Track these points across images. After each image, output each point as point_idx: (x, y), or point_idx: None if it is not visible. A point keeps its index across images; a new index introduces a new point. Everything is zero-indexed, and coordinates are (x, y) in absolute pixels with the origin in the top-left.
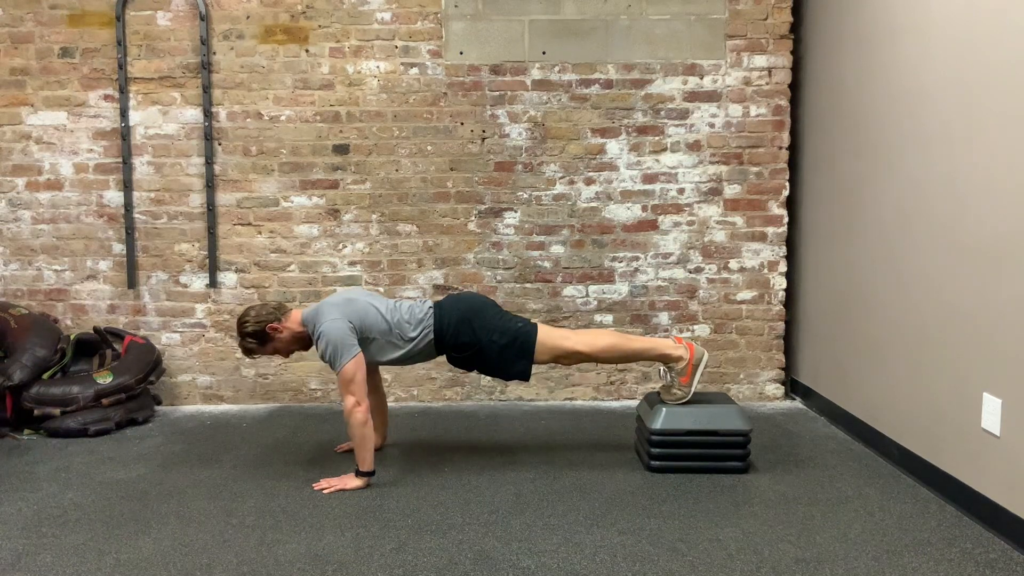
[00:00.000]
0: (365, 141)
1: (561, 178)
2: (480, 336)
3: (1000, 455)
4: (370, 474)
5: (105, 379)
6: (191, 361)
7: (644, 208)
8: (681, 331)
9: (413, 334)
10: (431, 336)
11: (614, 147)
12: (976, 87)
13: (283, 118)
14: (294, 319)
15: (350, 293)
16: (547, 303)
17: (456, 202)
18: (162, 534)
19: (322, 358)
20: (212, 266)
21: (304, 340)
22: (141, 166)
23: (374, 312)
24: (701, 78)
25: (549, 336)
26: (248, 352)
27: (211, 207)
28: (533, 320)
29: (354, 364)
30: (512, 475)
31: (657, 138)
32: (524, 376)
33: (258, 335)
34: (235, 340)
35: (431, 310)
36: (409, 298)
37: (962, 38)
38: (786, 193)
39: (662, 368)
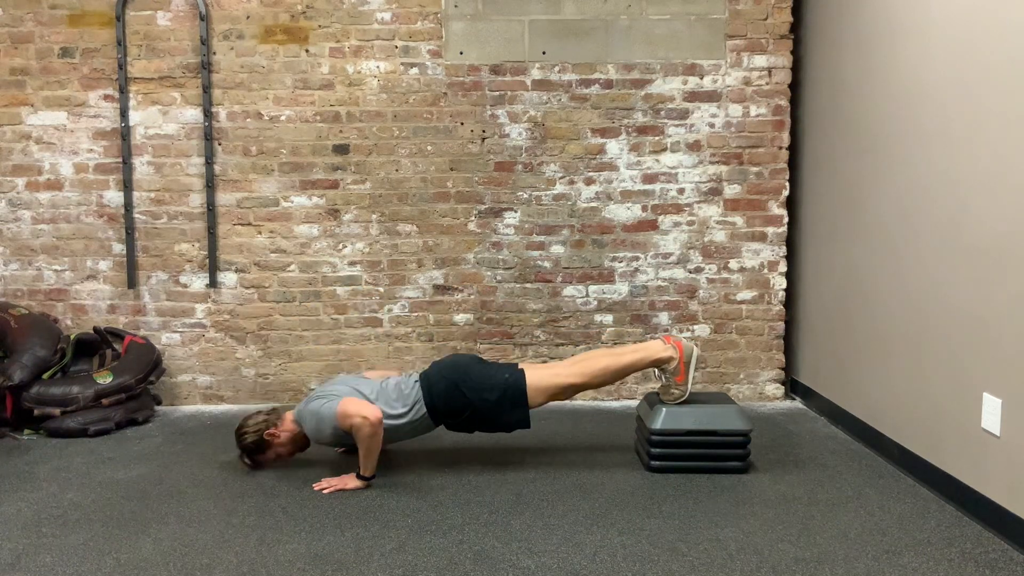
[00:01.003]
0: (365, 141)
1: (561, 178)
2: (471, 398)
3: (1000, 455)
4: (370, 478)
5: (105, 379)
6: (191, 361)
7: (644, 208)
8: (681, 331)
9: (403, 410)
10: (424, 410)
11: (614, 147)
12: (976, 87)
13: (283, 118)
14: (287, 419)
15: (334, 383)
16: (547, 303)
17: (456, 202)
18: (162, 534)
19: (320, 438)
20: (212, 266)
21: (301, 439)
22: (141, 166)
23: (358, 395)
24: (701, 78)
25: (538, 378)
26: (250, 461)
27: (211, 207)
28: (519, 364)
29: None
30: (512, 475)
31: (657, 138)
32: (524, 424)
33: (258, 445)
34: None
35: (417, 384)
36: (395, 374)
37: (962, 38)
38: (786, 193)
39: (656, 370)
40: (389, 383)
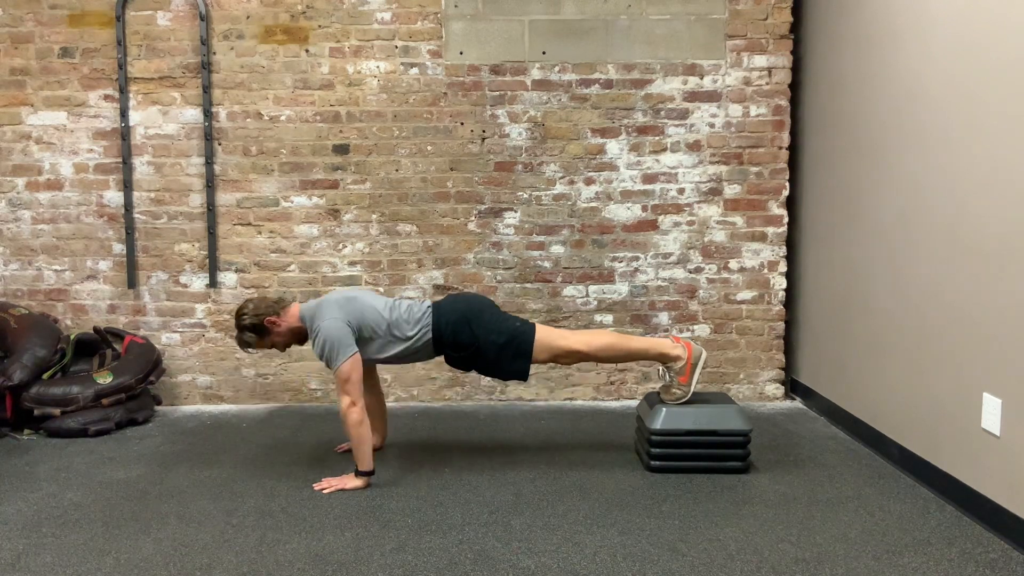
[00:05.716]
0: (365, 141)
1: (561, 178)
2: (478, 336)
3: (1000, 455)
4: (369, 473)
5: (105, 379)
6: (191, 361)
7: (644, 208)
8: (681, 331)
9: (411, 332)
10: (429, 335)
11: (614, 147)
12: (975, 87)
13: (283, 118)
14: (292, 313)
15: (350, 292)
16: (547, 303)
17: (456, 202)
18: (162, 534)
19: (320, 357)
20: (212, 266)
21: (301, 335)
22: (141, 166)
23: (373, 310)
24: (701, 78)
25: (547, 336)
26: (244, 345)
27: (211, 207)
28: (532, 320)
29: (351, 364)
30: (512, 475)
31: (657, 138)
32: (522, 376)
33: (256, 328)
34: (232, 333)
35: (429, 309)
36: (408, 298)
37: (962, 38)
38: (786, 193)
39: (661, 368)
40: (402, 303)
